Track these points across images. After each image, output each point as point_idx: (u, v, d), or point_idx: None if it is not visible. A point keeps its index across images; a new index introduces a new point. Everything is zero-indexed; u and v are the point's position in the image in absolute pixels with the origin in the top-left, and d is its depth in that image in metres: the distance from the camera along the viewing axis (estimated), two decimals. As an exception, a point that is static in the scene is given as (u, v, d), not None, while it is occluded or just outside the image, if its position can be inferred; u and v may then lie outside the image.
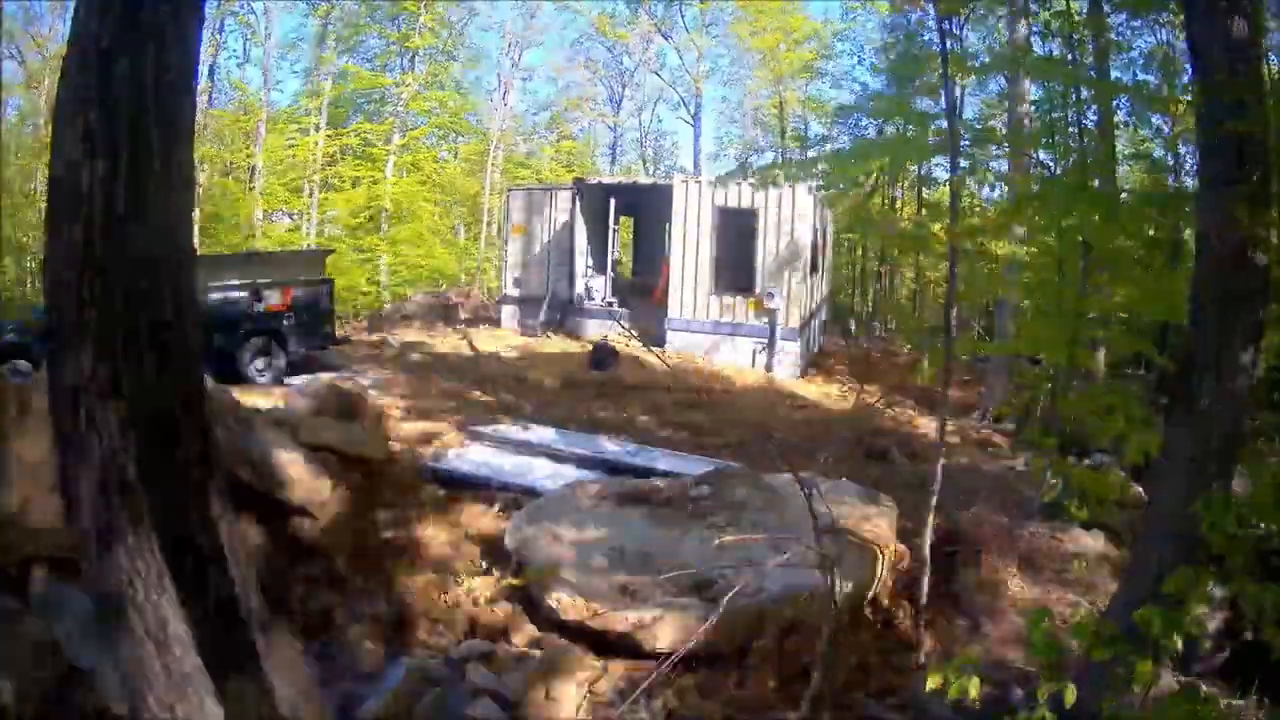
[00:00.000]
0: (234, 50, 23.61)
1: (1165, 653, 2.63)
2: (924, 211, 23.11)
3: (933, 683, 2.68)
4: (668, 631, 4.79)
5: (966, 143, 7.05)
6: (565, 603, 5.03)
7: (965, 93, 21.02)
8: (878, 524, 5.84)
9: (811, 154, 25.15)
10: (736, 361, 13.20)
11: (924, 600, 5.24)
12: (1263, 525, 3.22)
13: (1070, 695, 2.52)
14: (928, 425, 10.11)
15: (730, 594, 4.79)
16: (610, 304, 15.11)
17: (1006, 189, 9.73)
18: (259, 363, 10.14)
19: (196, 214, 17.06)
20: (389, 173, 23.93)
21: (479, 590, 5.47)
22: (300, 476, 5.64)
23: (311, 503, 5.64)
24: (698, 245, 13.74)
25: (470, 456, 7.73)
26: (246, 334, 10.01)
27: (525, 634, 5.08)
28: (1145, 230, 6.05)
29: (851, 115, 25.13)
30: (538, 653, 4.68)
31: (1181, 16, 4.87)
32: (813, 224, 14.18)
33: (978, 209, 12.46)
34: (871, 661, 4.93)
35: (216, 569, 2.78)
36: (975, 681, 2.67)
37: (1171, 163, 13.86)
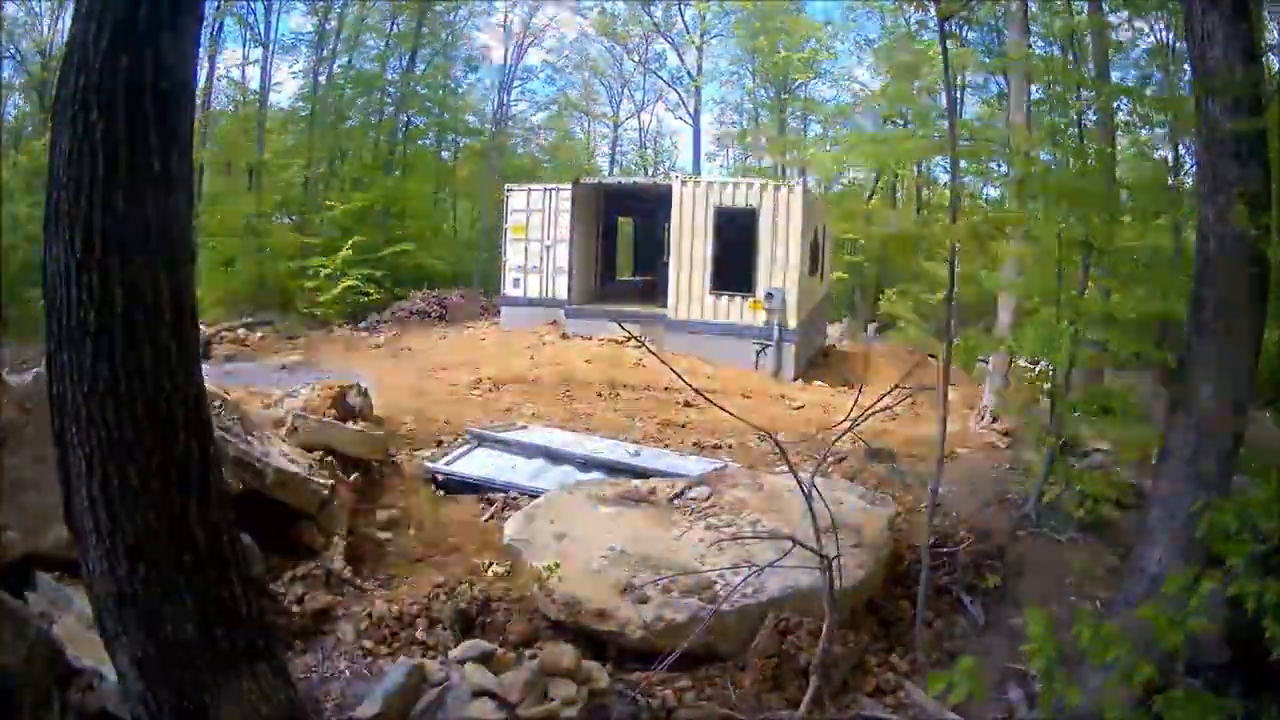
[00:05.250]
0: (234, 50, 23.61)
1: (1166, 653, 2.63)
2: (923, 212, 23.13)
3: (935, 689, 2.68)
4: (667, 631, 4.79)
5: (966, 142, 7.05)
6: (565, 603, 5.03)
7: (965, 92, 21.08)
8: (877, 524, 5.84)
9: (812, 152, 25.18)
10: (736, 362, 13.19)
11: (923, 600, 5.24)
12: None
13: (1075, 696, 2.51)
14: (927, 425, 10.11)
15: (730, 594, 4.79)
16: (609, 304, 15.12)
17: (1007, 189, 9.74)
18: None
19: (196, 214, 17.06)
20: (389, 172, 23.93)
21: (478, 590, 5.47)
22: (300, 477, 5.63)
23: (311, 503, 5.64)
24: (697, 246, 13.75)
25: (470, 457, 7.73)
26: None
27: (525, 634, 5.08)
28: (1145, 231, 6.06)
29: (851, 115, 25.18)
30: (537, 653, 4.68)
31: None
32: (812, 224, 14.17)
33: (980, 209, 12.47)
34: (871, 661, 4.93)
35: (216, 569, 2.78)
36: (979, 687, 2.67)
37: (1171, 163, 13.87)
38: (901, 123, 20.74)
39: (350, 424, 7.09)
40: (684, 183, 14.28)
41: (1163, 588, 2.66)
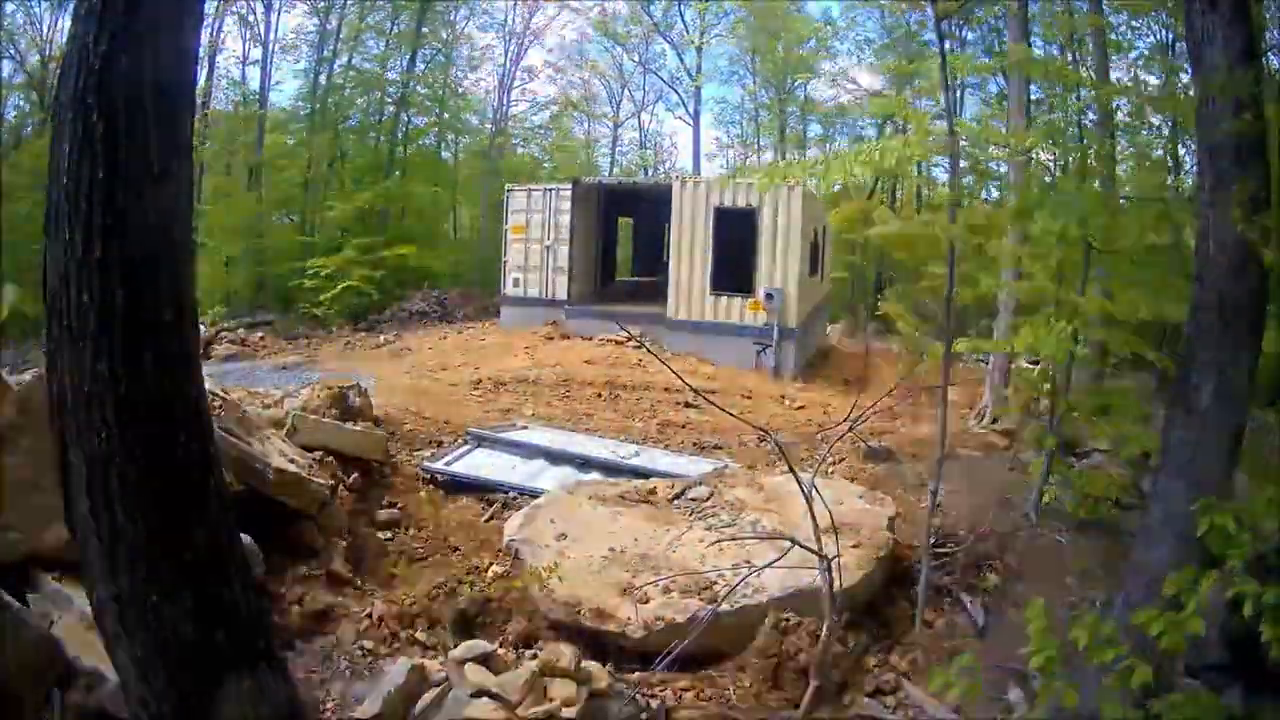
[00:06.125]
0: (234, 50, 23.62)
1: (1165, 654, 2.63)
2: (922, 212, 23.13)
3: (934, 685, 2.68)
4: (667, 631, 4.79)
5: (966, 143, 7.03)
6: (565, 603, 5.03)
7: (964, 92, 21.09)
8: (877, 523, 5.84)
9: (811, 153, 25.18)
10: (736, 362, 13.19)
11: (923, 600, 5.24)
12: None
13: (1071, 698, 2.50)
14: (926, 426, 10.11)
15: (729, 594, 4.79)
16: (609, 304, 15.12)
17: (1009, 189, 9.73)
18: None
19: (196, 214, 17.03)
20: (389, 173, 23.93)
21: (478, 590, 5.47)
22: (299, 477, 5.63)
23: (311, 503, 5.64)
24: (696, 246, 13.75)
25: (469, 457, 7.73)
26: None
27: (525, 634, 5.08)
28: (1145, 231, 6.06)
29: (850, 115, 25.19)
30: (537, 653, 4.68)
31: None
32: (812, 224, 14.17)
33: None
34: (871, 662, 4.93)
35: (216, 570, 2.78)
36: (977, 685, 2.67)
37: (1171, 163, 13.87)
38: (900, 126, 20.77)
39: (350, 424, 7.09)
40: (684, 183, 14.28)
41: (1163, 589, 2.65)
